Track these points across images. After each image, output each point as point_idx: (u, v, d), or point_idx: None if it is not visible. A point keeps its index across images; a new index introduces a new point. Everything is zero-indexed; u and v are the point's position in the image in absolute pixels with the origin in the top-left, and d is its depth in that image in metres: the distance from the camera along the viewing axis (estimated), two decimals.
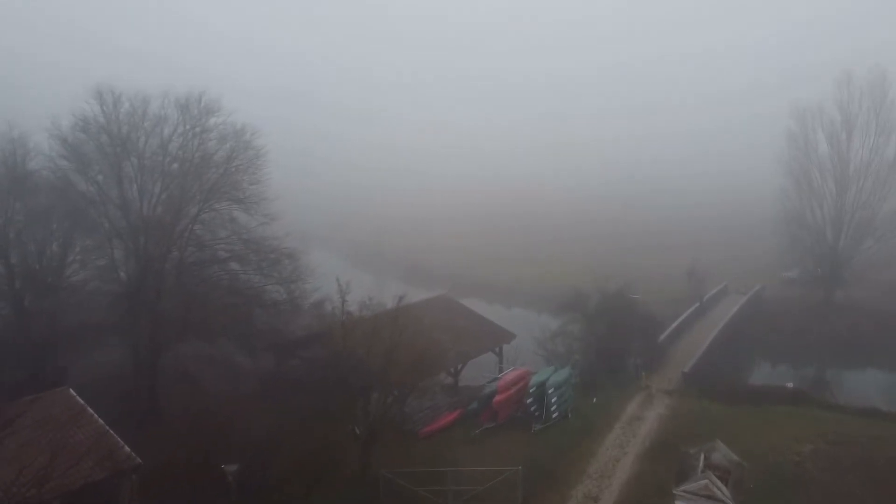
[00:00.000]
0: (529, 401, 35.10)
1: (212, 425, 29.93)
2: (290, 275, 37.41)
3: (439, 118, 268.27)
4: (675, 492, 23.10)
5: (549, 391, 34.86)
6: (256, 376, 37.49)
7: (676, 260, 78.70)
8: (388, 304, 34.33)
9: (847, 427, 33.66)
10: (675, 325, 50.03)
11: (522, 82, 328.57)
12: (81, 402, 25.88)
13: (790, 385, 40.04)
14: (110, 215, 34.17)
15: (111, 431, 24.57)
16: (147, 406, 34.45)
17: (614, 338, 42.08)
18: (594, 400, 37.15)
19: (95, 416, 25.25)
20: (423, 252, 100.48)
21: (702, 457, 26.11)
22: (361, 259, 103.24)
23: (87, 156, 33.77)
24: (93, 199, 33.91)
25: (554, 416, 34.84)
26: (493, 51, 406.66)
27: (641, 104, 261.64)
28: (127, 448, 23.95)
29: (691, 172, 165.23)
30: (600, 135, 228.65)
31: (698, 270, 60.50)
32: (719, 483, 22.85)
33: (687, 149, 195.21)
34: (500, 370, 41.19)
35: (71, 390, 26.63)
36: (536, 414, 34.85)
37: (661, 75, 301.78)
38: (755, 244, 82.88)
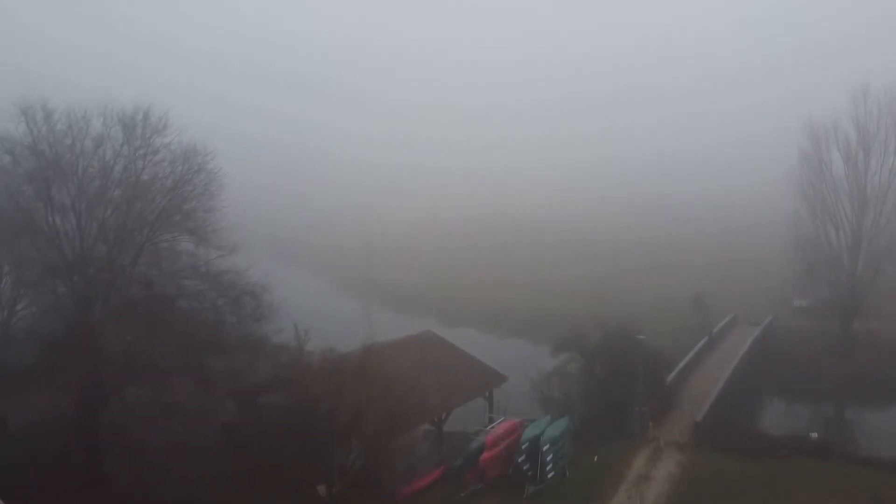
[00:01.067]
0: (521, 458, 30.88)
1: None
2: (253, 313, 33.23)
3: (433, 103, 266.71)
4: None
5: (545, 447, 30.72)
6: (212, 428, 33.24)
7: (680, 275, 75.54)
8: (363, 343, 31.26)
9: (882, 487, 29.91)
10: (683, 363, 45.97)
11: (522, 64, 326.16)
12: None
13: (814, 435, 36.13)
14: (42, 248, 29.86)
15: None
16: (86, 468, 30.05)
17: (617, 381, 37.67)
18: (595, 459, 32.77)
19: None
20: (411, 273, 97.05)
21: None
22: (347, 282, 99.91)
23: (14, 181, 29.55)
24: (22, 229, 29.59)
25: (549, 475, 30.68)
26: (489, 30, 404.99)
27: (640, 91, 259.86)
28: None
29: (694, 171, 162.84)
30: (597, 127, 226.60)
31: (704, 300, 56.66)
32: None
33: (689, 148, 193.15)
34: (490, 420, 36.95)
35: None
36: (529, 473, 30.62)
37: (662, 61, 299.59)
38: (760, 259, 79.19)
